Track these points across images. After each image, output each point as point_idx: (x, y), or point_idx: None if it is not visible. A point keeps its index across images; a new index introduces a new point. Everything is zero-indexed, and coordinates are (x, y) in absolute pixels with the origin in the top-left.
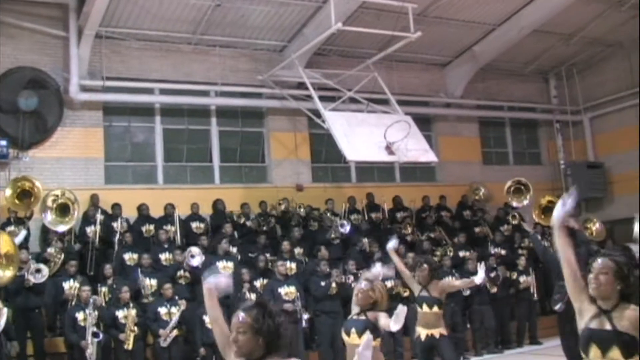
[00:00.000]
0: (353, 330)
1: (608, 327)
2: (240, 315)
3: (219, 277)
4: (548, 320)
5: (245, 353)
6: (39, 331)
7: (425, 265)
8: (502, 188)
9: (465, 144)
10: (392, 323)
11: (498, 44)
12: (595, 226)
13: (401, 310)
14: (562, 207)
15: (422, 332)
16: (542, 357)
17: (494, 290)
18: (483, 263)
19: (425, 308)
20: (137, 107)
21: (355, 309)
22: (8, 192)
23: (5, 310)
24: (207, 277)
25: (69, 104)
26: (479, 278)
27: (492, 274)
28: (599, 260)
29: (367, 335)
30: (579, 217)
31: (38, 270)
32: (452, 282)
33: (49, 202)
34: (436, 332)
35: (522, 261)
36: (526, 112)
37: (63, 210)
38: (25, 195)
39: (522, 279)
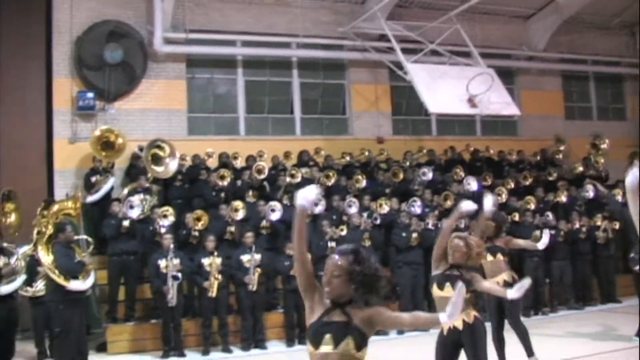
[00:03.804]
0: (447, 284)
1: None
2: (336, 258)
3: (309, 192)
4: (628, 278)
5: (335, 295)
6: (132, 277)
7: (491, 222)
8: (585, 143)
9: (547, 98)
10: (514, 292)
11: None
12: None
13: (527, 282)
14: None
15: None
16: (620, 315)
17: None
18: (548, 230)
19: (489, 257)
20: (219, 59)
21: (442, 264)
22: (92, 141)
23: (93, 273)
24: (301, 196)
25: (152, 56)
26: (542, 244)
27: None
28: None
29: (461, 284)
30: None
31: (131, 207)
32: (518, 241)
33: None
34: (500, 279)
35: (598, 219)
36: (611, 67)
37: (156, 160)
38: (108, 146)
39: (600, 234)
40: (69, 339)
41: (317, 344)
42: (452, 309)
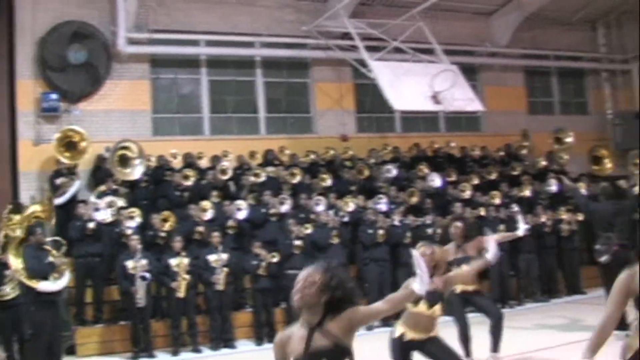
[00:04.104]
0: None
1: None
2: (309, 269)
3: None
4: (592, 270)
5: (303, 303)
6: (98, 279)
7: (458, 223)
8: (547, 138)
9: (510, 93)
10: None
11: None
12: None
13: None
14: None
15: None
16: (585, 307)
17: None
18: (521, 216)
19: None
20: (183, 59)
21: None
22: (55, 143)
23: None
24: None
25: (116, 56)
26: (523, 230)
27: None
28: None
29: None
30: None
31: (97, 209)
32: (489, 238)
33: (115, 154)
34: (469, 288)
35: (562, 212)
36: (573, 61)
37: (123, 161)
38: (71, 146)
39: (564, 227)
40: (40, 341)
41: None
42: (421, 278)
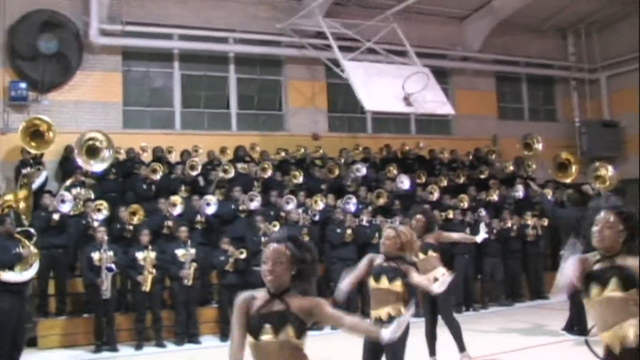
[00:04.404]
0: (383, 276)
1: (608, 265)
2: (277, 245)
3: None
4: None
5: (278, 284)
6: (62, 270)
7: (419, 216)
8: (516, 143)
9: (481, 98)
10: (437, 286)
11: None
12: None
13: (447, 276)
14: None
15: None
16: (548, 312)
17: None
18: (484, 223)
19: (421, 255)
20: (156, 52)
21: (379, 257)
22: (21, 131)
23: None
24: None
25: (88, 47)
26: (481, 237)
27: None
28: (602, 213)
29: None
30: None
31: (63, 201)
32: (449, 234)
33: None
34: (431, 276)
35: (528, 217)
36: (543, 69)
37: (92, 152)
38: (37, 135)
39: (529, 232)
40: (7, 331)
41: (257, 334)
42: (396, 328)
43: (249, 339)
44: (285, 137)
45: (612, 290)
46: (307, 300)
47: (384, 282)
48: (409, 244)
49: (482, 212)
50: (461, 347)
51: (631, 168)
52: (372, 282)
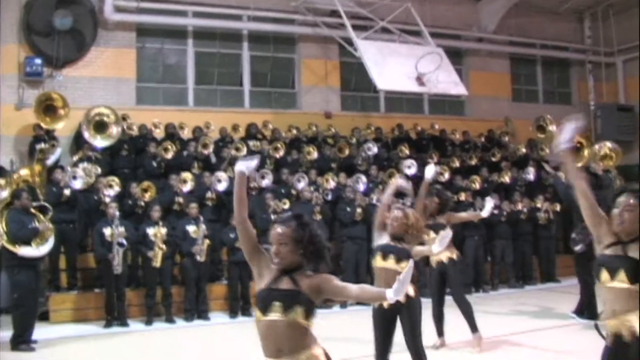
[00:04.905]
0: (391, 255)
1: (620, 253)
2: (281, 227)
3: (249, 161)
4: (569, 259)
5: (286, 265)
6: (73, 246)
7: (435, 198)
8: (530, 126)
9: (495, 79)
10: (436, 246)
11: None
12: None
13: (447, 233)
14: (567, 132)
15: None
16: (558, 295)
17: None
18: (490, 197)
19: (432, 234)
20: (170, 29)
21: (383, 236)
22: (35, 105)
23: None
24: (241, 162)
25: (102, 24)
26: (486, 211)
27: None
28: (623, 196)
29: (411, 262)
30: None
31: (74, 177)
32: (459, 214)
33: (90, 119)
34: (444, 257)
35: (539, 200)
36: (558, 51)
37: (100, 127)
38: (50, 110)
39: (540, 215)
40: (28, 305)
41: (265, 310)
42: (399, 285)
43: (257, 313)
44: (297, 115)
45: (621, 281)
46: (315, 277)
47: (391, 262)
48: (415, 227)
49: (488, 199)
50: (473, 328)
51: None
52: (378, 260)
